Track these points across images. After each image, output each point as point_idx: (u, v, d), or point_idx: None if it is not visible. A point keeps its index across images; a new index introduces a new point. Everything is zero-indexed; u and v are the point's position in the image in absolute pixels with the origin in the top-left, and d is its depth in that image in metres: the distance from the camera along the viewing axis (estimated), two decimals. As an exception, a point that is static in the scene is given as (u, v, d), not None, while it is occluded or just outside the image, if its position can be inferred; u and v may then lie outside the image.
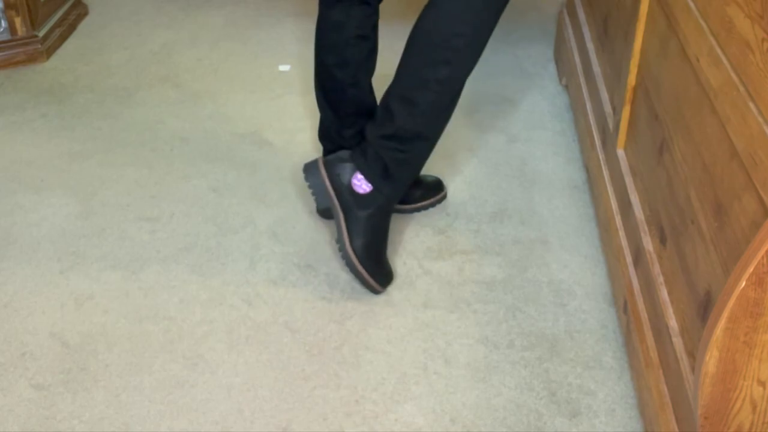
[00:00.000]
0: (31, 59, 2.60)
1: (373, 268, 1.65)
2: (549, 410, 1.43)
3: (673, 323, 1.29)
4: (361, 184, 1.65)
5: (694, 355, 1.17)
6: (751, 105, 1.03)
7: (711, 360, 1.01)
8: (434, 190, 1.93)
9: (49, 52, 2.65)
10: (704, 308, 1.15)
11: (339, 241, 1.65)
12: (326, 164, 1.67)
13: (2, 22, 2.54)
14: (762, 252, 0.94)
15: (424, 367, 1.51)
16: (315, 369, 1.51)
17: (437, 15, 1.54)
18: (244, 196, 1.98)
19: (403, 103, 1.58)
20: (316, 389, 1.47)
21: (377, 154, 1.62)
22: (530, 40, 2.75)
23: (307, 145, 2.17)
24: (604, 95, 1.91)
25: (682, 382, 1.19)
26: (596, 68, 2.02)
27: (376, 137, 1.62)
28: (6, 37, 2.56)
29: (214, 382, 1.48)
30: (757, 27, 1.03)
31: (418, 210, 1.90)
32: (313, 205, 1.91)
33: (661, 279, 1.38)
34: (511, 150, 2.16)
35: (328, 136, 1.80)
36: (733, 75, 1.10)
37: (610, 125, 1.79)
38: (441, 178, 1.99)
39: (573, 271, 1.74)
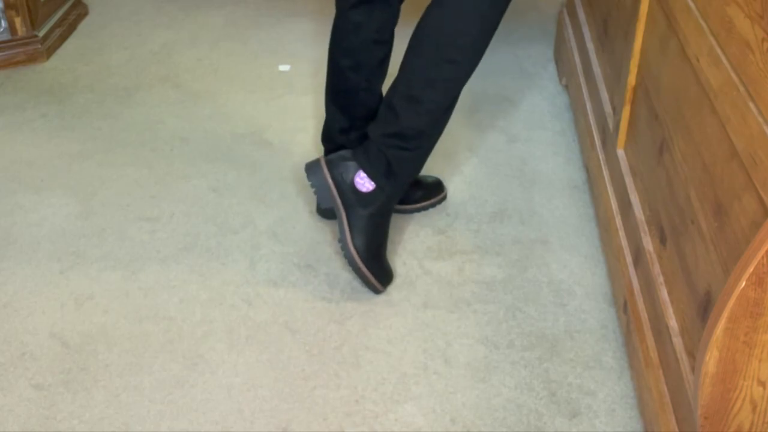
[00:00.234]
0: (31, 59, 2.60)
1: (375, 267, 1.65)
2: (549, 410, 1.43)
3: (673, 323, 1.29)
4: (364, 183, 1.65)
5: (694, 355, 1.17)
6: (751, 105, 1.03)
7: (711, 360, 1.01)
8: (434, 190, 1.93)
9: (49, 52, 2.65)
10: (704, 308, 1.15)
11: (341, 239, 1.65)
12: (329, 163, 1.67)
13: (2, 22, 2.54)
14: (762, 252, 0.94)
15: (424, 367, 1.51)
16: (315, 369, 1.51)
17: (443, 14, 1.54)
18: (244, 196, 1.98)
19: (408, 101, 1.58)
20: (316, 389, 1.47)
21: (380, 153, 1.63)
22: (530, 40, 2.75)
23: (308, 145, 2.17)
24: (604, 95, 1.91)
25: (682, 382, 1.19)
26: (596, 68, 2.02)
27: (380, 135, 1.63)
28: (6, 37, 2.56)
29: (214, 382, 1.48)
30: (757, 27, 1.03)
31: (418, 210, 1.90)
32: (313, 205, 1.92)
33: (661, 279, 1.38)
34: (511, 150, 2.16)
35: (332, 137, 1.81)
36: (733, 75, 1.10)
37: (610, 125, 1.79)
38: (441, 178, 1.99)
39: (573, 271, 1.74)
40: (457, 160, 2.11)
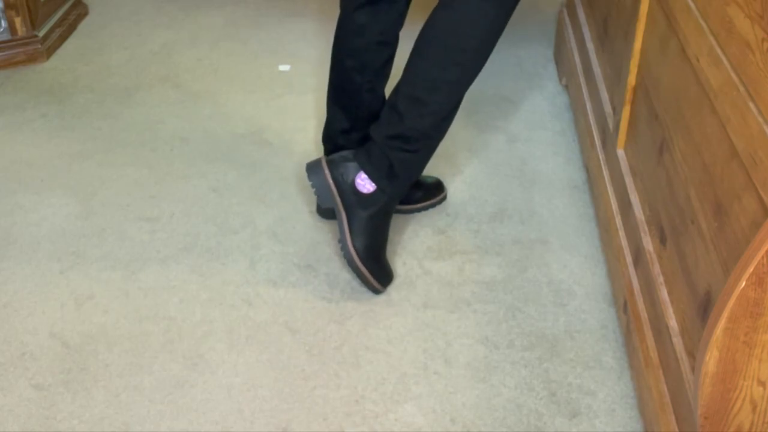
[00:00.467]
0: (31, 59, 2.60)
1: (375, 267, 1.65)
2: (549, 410, 1.43)
3: (673, 323, 1.29)
4: (365, 184, 1.65)
5: (694, 355, 1.17)
6: (751, 105, 1.03)
7: (711, 360, 1.01)
8: (435, 191, 1.93)
9: (49, 52, 2.65)
10: (704, 308, 1.15)
11: (341, 240, 1.65)
12: (329, 163, 1.67)
13: (2, 22, 2.54)
14: (762, 252, 0.94)
15: (424, 367, 1.51)
16: (315, 369, 1.51)
17: (450, 17, 1.54)
18: (244, 196, 1.98)
19: (412, 103, 1.58)
20: (316, 389, 1.47)
21: (383, 154, 1.62)
22: (530, 40, 2.75)
23: (308, 145, 2.17)
24: (604, 95, 1.91)
25: (682, 382, 1.19)
26: (596, 68, 2.02)
27: (383, 137, 1.62)
28: (6, 37, 2.56)
29: (214, 382, 1.48)
30: (757, 27, 1.03)
31: (418, 210, 1.90)
32: (313, 205, 1.92)
33: (661, 279, 1.38)
34: (511, 150, 2.16)
35: (333, 138, 1.81)
36: (733, 75, 1.10)
37: (610, 125, 1.79)
38: (441, 178, 1.99)
39: (573, 271, 1.74)
40: (457, 160, 2.11)
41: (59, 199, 1.98)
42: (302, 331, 1.59)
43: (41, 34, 2.62)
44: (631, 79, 1.66)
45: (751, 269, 0.94)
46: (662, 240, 1.40)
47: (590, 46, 2.12)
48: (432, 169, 2.00)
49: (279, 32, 2.83)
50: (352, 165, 1.66)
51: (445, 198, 1.95)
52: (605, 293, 1.68)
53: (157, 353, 1.54)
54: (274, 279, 1.72)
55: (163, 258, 1.78)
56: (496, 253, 1.79)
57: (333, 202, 1.66)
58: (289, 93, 2.44)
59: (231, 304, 1.66)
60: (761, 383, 1.02)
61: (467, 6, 1.52)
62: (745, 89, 1.05)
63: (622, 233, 1.62)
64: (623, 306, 1.54)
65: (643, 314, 1.43)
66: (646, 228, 1.50)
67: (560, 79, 2.47)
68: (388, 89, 1.72)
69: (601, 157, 1.85)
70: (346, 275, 1.72)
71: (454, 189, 2.00)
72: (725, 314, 0.98)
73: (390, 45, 1.70)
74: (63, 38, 2.75)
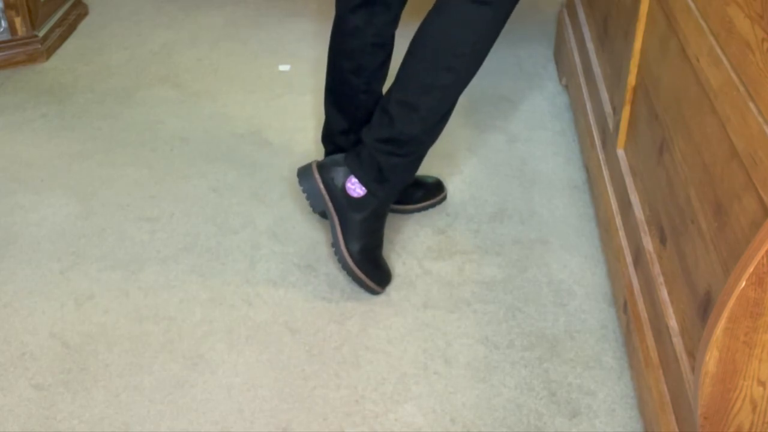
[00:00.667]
0: (31, 59, 2.60)
1: (370, 269, 1.65)
2: (549, 410, 1.43)
3: (673, 323, 1.29)
4: (355, 188, 1.64)
5: (694, 355, 1.17)
6: (751, 105, 1.03)
7: (711, 360, 1.01)
8: (435, 190, 1.93)
9: (49, 52, 2.65)
10: (704, 308, 1.15)
11: (334, 244, 1.64)
12: (320, 168, 1.67)
13: (2, 22, 2.54)
14: (762, 252, 0.94)
15: (424, 367, 1.51)
16: (315, 369, 1.51)
17: (443, 21, 1.53)
18: (244, 196, 1.98)
19: (404, 107, 1.57)
20: (316, 389, 1.47)
21: (372, 157, 1.62)
22: (530, 40, 2.75)
23: (307, 145, 2.17)
24: (604, 95, 1.91)
25: (682, 382, 1.19)
26: (596, 68, 2.02)
27: (373, 140, 1.62)
28: (6, 37, 2.56)
29: (214, 382, 1.48)
30: (757, 27, 1.03)
31: (418, 210, 1.90)
32: (313, 205, 1.92)
33: (661, 279, 1.38)
34: (511, 150, 2.16)
35: (332, 138, 1.80)
36: (733, 75, 1.10)
37: (610, 125, 1.79)
38: (441, 178, 1.99)
39: (573, 271, 1.74)
40: (457, 160, 2.11)
41: (59, 199, 1.98)
42: (302, 331, 1.59)
43: (41, 34, 2.62)
44: (631, 79, 1.66)
45: (751, 269, 0.94)
46: (662, 240, 1.40)
47: (590, 46, 2.12)
48: (432, 169, 2.00)
49: (279, 32, 2.83)
50: (342, 169, 1.65)
51: (445, 198, 1.95)
52: (605, 293, 1.68)
53: (157, 353, 1.54)
54: (274, 279, 1.72)
55: (163, 258, 1.78)
56: (496, 253, 1.79)
57: (324, 207, 1.66)
58: (288, 93, 2.44)
59: (231, 304, 1.66)
60: (761, 383, 1.02)
61: (461, 11, 1.51)
62: (745, 89, 1.05)
63: (622, 233, 1.62)
64: (623, 306, 1.54)
65: (643, 314, 1.43)
66: (646, 228, 1.50)
67: (560, 79, 2.47)
68: (385, 89, 1.72)
69: (601, 157, 1.85)
70: (346, 275, 1.72)
71: (453, 189, 2.00)
72: (725, 314, 0.98)
73: (386, 46, 1.70)
74: (63, 38, 2.75)
